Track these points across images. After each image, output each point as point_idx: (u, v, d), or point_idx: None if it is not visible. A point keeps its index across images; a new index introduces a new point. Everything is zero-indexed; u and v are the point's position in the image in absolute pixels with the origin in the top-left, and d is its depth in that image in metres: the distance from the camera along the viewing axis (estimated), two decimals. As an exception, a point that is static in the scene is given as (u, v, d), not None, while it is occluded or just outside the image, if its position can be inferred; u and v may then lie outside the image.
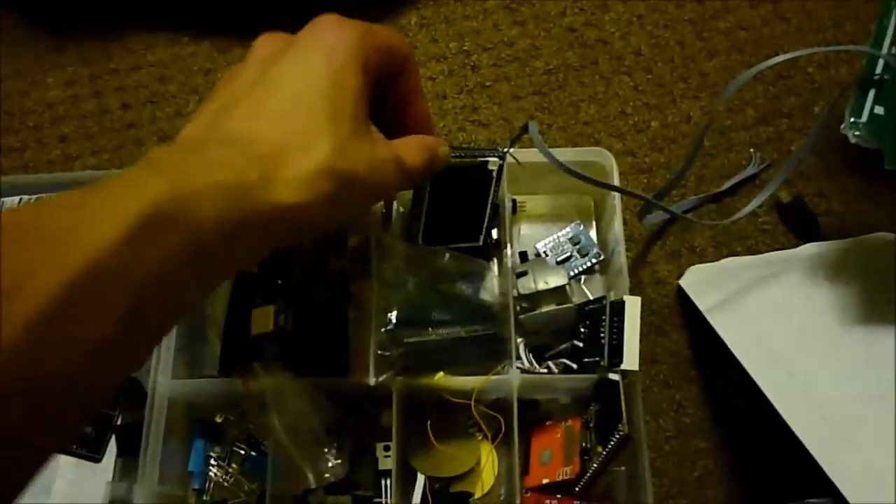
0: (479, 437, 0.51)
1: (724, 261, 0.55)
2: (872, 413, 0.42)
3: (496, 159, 0.45)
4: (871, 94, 0.43)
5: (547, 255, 0.55)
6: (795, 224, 0.57)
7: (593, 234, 0.56)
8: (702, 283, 0.54)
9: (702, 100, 0.61)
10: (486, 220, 0.48)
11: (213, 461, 0.51)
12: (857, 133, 0.42)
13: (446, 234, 0.48)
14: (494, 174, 0.46)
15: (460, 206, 0.47)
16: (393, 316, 0.48)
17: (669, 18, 0.65)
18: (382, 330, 0.47)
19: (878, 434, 0.42)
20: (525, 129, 0.47)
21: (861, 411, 0.43)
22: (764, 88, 0.61)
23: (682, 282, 0.54)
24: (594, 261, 0.54)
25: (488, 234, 0.50)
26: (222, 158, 0.29)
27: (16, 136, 0.62)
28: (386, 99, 0.37)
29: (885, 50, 0.44)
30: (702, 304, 0.51)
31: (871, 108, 0.43)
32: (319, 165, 0.31)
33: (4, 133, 0.63)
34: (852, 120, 0.43)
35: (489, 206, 0.48)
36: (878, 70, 0.44)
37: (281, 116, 0.31)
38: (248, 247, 0.30)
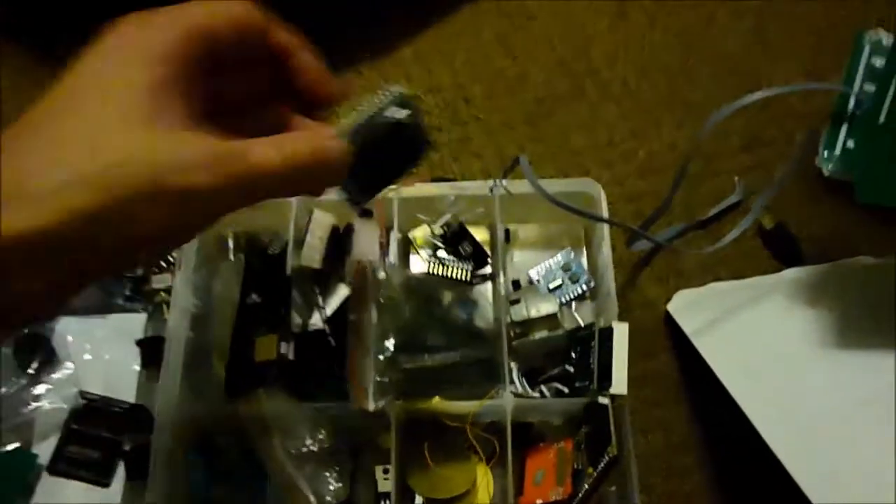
0: (475, 459, 0.53)
1: (709, 285, 0.57)
2: (849, 429, 0.44)
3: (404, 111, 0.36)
4: (844, 128, 0.45)
5: (539, 282, 0.57)
6: (778, 249, 0.59)
7: (584, 260, 0.58)
8: (688, 307, 0.56)
9: (686, 128, 0.64)
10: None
11: (216, 484, 0.53)
12: (830, 166, 0.45)
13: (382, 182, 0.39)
14: (411, 124, 0.36)
15: (391, 156, 0.38)
16: (390, 343, 0.50)
17: (654, 48, 0.67)
18: (381, 357, 0.49)
19: (854, 449, 0.44)
20: (516, 162, 0.49)
21: (838, 428, 0.45)
22: (746, 118, 0.63)
23: (670, 306, 0.56)
24: (585, 287, 0.56)
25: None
26: None
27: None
28: (263, 77, 0.33)
29: (855, 88, 0.46)
30: (687, 327, 0.53)
31: (844, 143, 0.45)
32: (70, 176, 0.25)
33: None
34: (826, 154, 0.45)
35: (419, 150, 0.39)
36: (850, 106, 0.46)
37: (45, 128, 0.27)
38: None
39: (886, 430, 0.46)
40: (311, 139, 0.30)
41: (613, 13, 0.69)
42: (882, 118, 0.45)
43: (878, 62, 0.47)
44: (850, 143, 0.44)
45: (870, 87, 0.46)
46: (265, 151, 0.29)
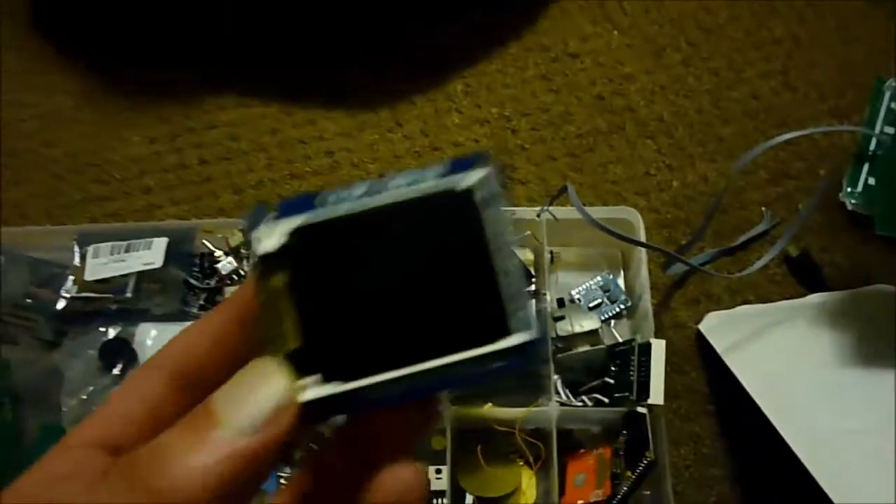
0: (520, 463, 0.57)
1: (738, 308, 0.62)
2: (870, 445, 0.49)
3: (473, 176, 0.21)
4: (866, 167, 0.50)
5: (580, 301, 0.61)
6: (803, 276, 0.63)
7: (621, 282, 0.63)
8: (719, 327, 0.60)
9: (718, 162, 0.68)
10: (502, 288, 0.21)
11: (282, 482, 0.58)
12: (853, 201, 0.49)
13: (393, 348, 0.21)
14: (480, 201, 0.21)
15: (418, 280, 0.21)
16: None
17: (689, 89, 0.72)
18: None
19: (877, 464, 0.48)
20: (564, 190, 0.55)
21: (860, 443, 0.49)
22: (774, 153, 0.68)
23: (702, 326, 0.61)
24: (622, 307, 0.61)
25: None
26: None
27: (106, 187, 0.70)
28: None
29: (877, 129, 0.51)
30: (719, 346, 0.58)
31: (866, 180, 0.50)
32: None
33: (93, 183, 0.70)
34: (849, 190, 0.49)
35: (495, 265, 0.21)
36: (872, 146, 0.51)
37: None
38: None
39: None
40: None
41: (651, 54, 0.74)
42: (901, 159, 0.49)
43: (897, 107, 0.52)
44: (871, 181, 0.49)
45: (889, 130, 0.51)
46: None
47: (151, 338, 0.62)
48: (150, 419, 0.22)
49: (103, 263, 0.61)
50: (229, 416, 0.19)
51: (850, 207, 0.49)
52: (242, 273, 0.63)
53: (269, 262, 0.20)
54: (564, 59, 0.74)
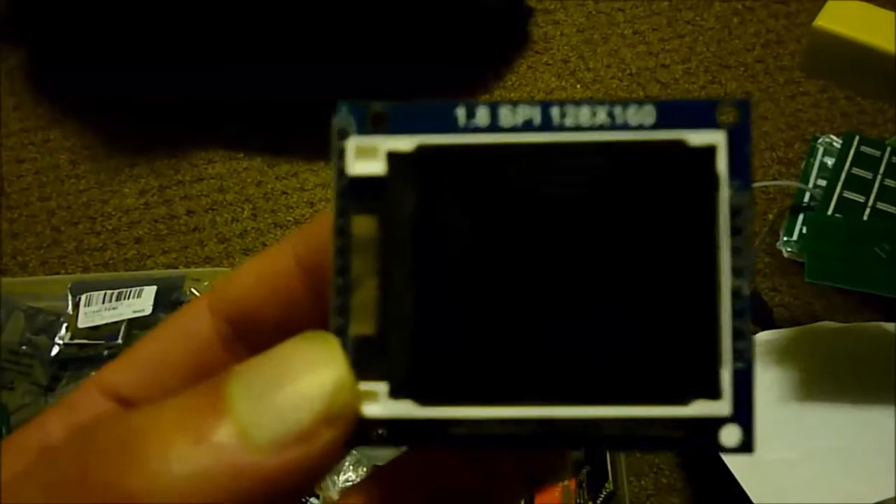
0: (490, 495, 0.61)
1: (693, 346, 0.66)
2: (803, 474, 0.53)
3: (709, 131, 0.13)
4: (800, 217, 0.55)
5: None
6: (753, 314, 0.68)
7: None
8: (674, 365, 0.64)
9: (675, 208, 0.73)
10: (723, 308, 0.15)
11: None
12: (789, 249, 0.54)
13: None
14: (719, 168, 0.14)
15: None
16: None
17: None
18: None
19: (808, 492, 0.52)
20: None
21: (794, 472, 0.53)
22: (726, 199, 0.73)
23: (659, 364, 0.65)
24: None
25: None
26: None
27: (98, 238, 0.74)
28: None
29: (810, 183, 0.56)
30: (674, 383, 0.62)
31: (800, 230, 0.54)
32: None
33: (88, 235, 0.74)
34: (785, 238, 0.54)
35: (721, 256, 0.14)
36: (806, 199, 0.56)
37: None
38: None
39: (841, 478, 0.54)
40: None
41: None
42: (830, 210, 0.54)
43: (829, 162, 0.57)
44: (804, 231, 0.54)
45: (821, 183, 0.56)
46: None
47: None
48: (192, 369, 0.17)
49: (95, 311, 0.65)
50: (245, 411, 0.12)
51: (785, 255, 0.54)
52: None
53: (357, 194, 0.13)
54: (568, 77, 0.79)
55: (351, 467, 0.60)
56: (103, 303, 0.66)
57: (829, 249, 0.50)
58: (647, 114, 0.13)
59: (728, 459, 0.53)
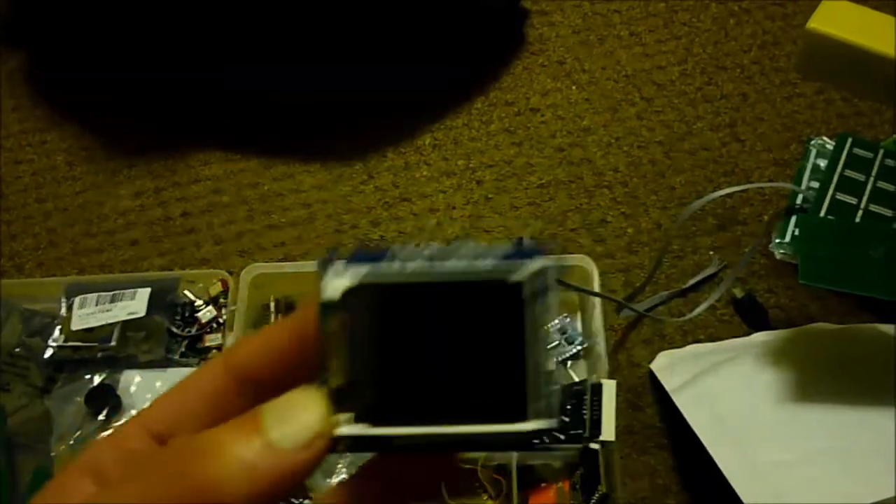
0: (485, 497, 0.61)
1: (687, 347, 0.66)
2: (801, 475, 0.53)
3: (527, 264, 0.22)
4: (793, 220, 0.55)
5: (540, 343, 0.65)
6: (748, 316, 0.68)
7: (579, 324, 0.67)
8: (668, 366, 0.64)
9: (670, 210, 0.73)
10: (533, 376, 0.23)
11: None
12: (781, 251, 0.54)
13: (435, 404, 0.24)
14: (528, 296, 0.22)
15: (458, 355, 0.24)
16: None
17: (643, 140, 0.77)
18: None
19: (807, 493, 0.52)
20: (519, 242, 0.59)
21: (792, 473, 0.53)
22: (723, 201, 0.73)
23: (653, 365, 0.65)
24: (579, 348, 0.65)
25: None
26: None
27: (94, 240, 0.74)
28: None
29: (803, 185, 0.56)
30: (668, 384, 0.62)
31: (793, 232, 0.54)
32: None
33: (84, 237, 0.75)
34: (777, 240, 0.54)
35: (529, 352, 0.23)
36: (799, 201, 0.55)
37: None
38: None
39: (838, 479, 0.53)
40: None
41: (608, 108, 0.79)
42: (822, 212, 0.54)
43: (822, 164, 0.57)
44: (797, 233, 0.54)
45: (814, 185, 0.56)
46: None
47: (135, 384, 0.66)
48: (210, 412, 0.24)
49: (89, 313, 0.65)
50: (273, 429, 0.21)
51: (778, 257, 0.54)
52: (221, 321, 0.67)
53: (329, 307, 0.22)
54: (527, 114, 0.79)
55: (344, 469, 0.60)
56: (97, 305, 0.66)
57: (822, 251, 0.50)
58: (503, 249, 0.22)
59: (724, 466, 0.53)
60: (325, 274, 0.22)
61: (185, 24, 0.79)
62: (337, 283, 0.22)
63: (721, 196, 0.61)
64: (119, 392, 0.66)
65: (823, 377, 0.61)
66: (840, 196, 0.55)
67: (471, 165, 0.77)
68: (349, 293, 0.22)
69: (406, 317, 0.22)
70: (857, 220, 0.54)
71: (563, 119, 0.79)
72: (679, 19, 0.84)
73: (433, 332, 0.22)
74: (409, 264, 0.22)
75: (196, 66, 0.83)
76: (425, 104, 0.80)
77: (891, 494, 0.51)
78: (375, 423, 0.22)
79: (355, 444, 0.22)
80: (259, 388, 0.24)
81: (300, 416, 0.22)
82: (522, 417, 0.22)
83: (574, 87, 0.80)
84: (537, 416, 0.22)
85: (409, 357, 0.22)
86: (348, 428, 0.22)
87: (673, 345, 0.67)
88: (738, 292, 0.68)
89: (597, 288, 0.63)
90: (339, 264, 0.22)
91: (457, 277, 0.22)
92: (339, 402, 0.22)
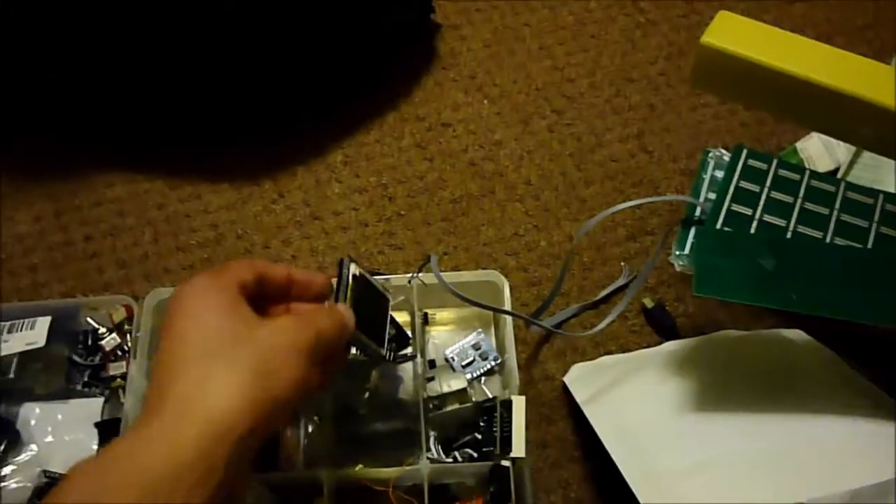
0: (399, 519, 0.60)
1: (599, 359, 0.67)
2: (702, 481, 0.53)
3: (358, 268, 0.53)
4: (692, 231, 0.55)
5: (454, 360, 0.65)
6: (658, 325, 0.69)
7: (493, 340, 0.67)
8: (580, 378, 0.64)
9: (581, 222, 0.74)
10: (387, 337, 0.56)
11: None
12: (680, 263, 0.54)
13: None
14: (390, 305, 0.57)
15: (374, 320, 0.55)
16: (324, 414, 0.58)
17: (554, 153, 0.77)
18: (310, 428, 0.57)
19: (707, 497, 0.53)
20: (427, 260, 0.58)
21: (693, 480, 0.53)
22: (632, 212, 0.74)
23: (566, 378, 0.65)
24: (494, 363, 0.65)
25: (392, 349, 0.59)
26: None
27: (-11, 268, 0.71)
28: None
29: (701, 197, 0.57)
30: (579, 397, 0.62)
31: (691, 243, 0.55)
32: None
33: (-21, 264, 0.71)
34: (677, 252, 0.55)
35: (388, 327, 0.56)
36: (697, 213, 0.56)
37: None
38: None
39: (737, 483, 0.54)
40: (332, 309, 0.49)
41: (519, 121, 0.79)
42: (718, 224, 0.55)
43: (720, 175, 0.58)
44: (695, 244, 0.54)
45: (712, 196, 0.57)
46: (322, 318, 0.46)
47: (35, 416, 0.63)
48: (255, 285, 0.46)
49: (-15, 345, 0.62)
50: (336, 312, 0.49)
51: (677, 269, 0.55)
52: (126, 349, 0.64)
53: (347, 284, 0.52)
54: (438, 128, 0.79)
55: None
56: (-8, 336, 0.63)
57: (717, 263, 0.51)
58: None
59: (629, 475, 0.53)
60: (345, 269, 0.52)
61: (76, 28, 0.74)
62: (353, 270, 0.52)
63: (631, 207, 0.61)
64: (19, 426, 0.63)
65: (727, 384, 0.62)
66: (735, 207, 0.56)
67: (383, 182, 0.76)
68: (354, 276, 0.52)
69: (363, 291, 0.53)
70: (752, 230, 0.55)
71: (474, 133, 0.79)
72: (587, 32, 0.85)
73: (370, 300, 0.54)
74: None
75: (86, 71, 0.79)
76: (336, 120, 0.79)
77: (795, 500, 0.51)
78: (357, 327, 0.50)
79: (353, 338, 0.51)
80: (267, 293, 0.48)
81: (340, 312, 0.49)
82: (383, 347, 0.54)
83: (485, 101, 0.80)
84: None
85: (365, 309, 0.52)
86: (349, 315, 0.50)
87: (586, 357, 0.68)
88: (648, 302, 0.69)
89: (507, 303, 0.63)
90: (352, 265, 0.52)
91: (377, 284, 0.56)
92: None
